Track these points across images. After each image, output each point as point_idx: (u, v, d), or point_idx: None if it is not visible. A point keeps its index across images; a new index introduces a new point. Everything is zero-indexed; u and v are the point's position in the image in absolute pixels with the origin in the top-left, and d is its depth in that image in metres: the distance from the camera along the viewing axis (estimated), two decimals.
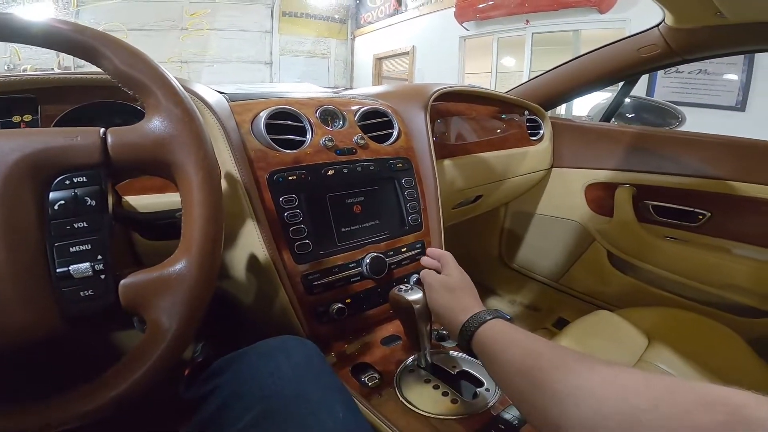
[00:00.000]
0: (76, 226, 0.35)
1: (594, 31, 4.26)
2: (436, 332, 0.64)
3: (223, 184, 0.61)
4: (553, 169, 1.28)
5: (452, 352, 0.61)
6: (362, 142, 0.72)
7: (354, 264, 0.65)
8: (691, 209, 1.06)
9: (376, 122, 0.78)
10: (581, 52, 1.18)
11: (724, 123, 2.85)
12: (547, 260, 1.38)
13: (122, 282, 0.37)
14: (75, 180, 0.35)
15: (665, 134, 1.15)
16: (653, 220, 1.13)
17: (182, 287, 0.36)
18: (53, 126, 0.57)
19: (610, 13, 4.06)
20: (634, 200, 1.13)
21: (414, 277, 0.71)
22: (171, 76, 0.40)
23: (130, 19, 5.92)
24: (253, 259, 0.61)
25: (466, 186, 1.00)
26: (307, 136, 0.67)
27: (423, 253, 0.72)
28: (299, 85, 1.03)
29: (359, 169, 0.70)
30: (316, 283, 0.61)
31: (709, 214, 1.04)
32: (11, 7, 5.29)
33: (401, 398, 0.52)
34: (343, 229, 0.66)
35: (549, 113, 1.28)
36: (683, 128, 1.28)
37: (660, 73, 3.11)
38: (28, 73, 0.66)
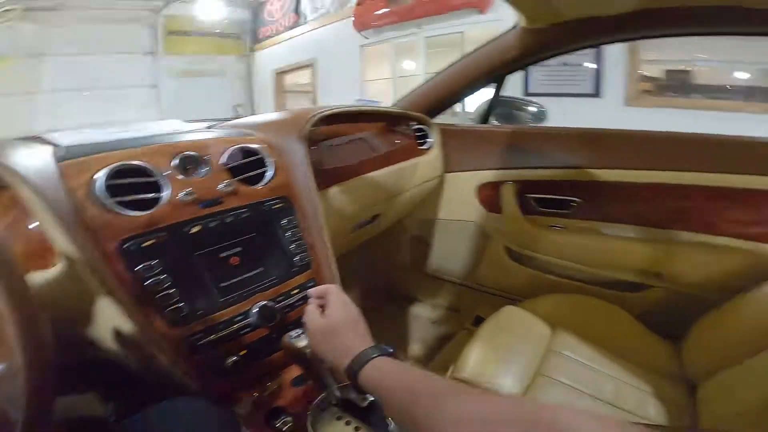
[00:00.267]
0: None
1: (476, 32, 4.60)
2: None
3: (60, 266, 0.53)
4: (446, 174, 1.34)
5: None
6: (230, 189, 0.65)
7: (241, 317, 0.61)
8: (564, 197, 1.18)
9: (246, 162, 0.72)
10: (467, 51, 1.25)
11: (584, 109, 3.25)
12: (455, 262, 1.44)
13: None
14: None
15: (534, 131, 1.27)
16: (536, 212, 1.23)
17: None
18: None
19: (489, 14, 4.41)
20: (518, 195, 1.23)
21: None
22: None
23: None
24: (121, 332, 0.55)
25: (359, 209, 1.00)
26: (163, 192, 0.59)
27: None
28: (162, 124, 0.92)
29: (229, 219, 0.64)
30: (200, 343, 0.56)
31: (579, 200, 1.16)
32: None
33: None
34: (222, 285, 0.61)
35: (450, 112, 1.33)
36: (549, 122, 1.40)
37: (532, 66, 3.46)
38: None
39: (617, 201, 1.13)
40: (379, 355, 0.48)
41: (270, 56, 7.15)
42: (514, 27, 1.13)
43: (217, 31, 7.16)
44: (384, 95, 5.47)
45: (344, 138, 1.01)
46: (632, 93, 3.16)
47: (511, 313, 1.03)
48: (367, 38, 5.54)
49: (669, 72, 3.28)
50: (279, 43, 6.91)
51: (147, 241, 0.55)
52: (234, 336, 0.60)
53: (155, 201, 0.59)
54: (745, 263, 0.97)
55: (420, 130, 1.27)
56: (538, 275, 1.26)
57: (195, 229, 0.60)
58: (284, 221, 0.70)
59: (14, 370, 0.35)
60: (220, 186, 0.64)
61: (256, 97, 7.53)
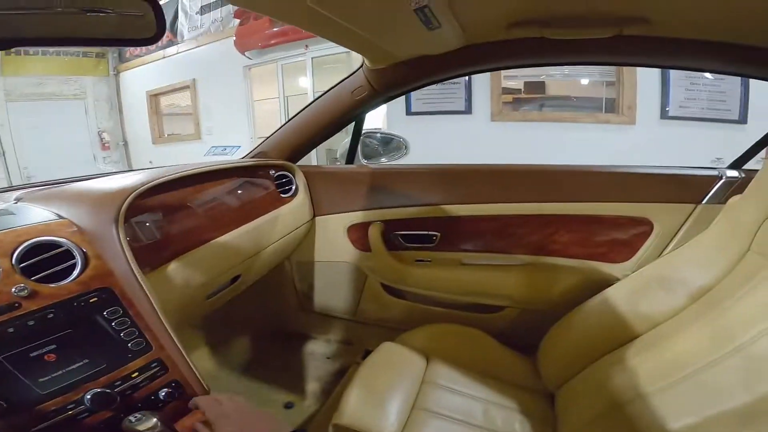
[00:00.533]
0: None
1: None
2: None
3: None
4: (317, 218, 1.32)
5: None
6: (25, 293, 0.56)
7: (73, 404, 0.56)
8: (426, 232, 1.24)
9: (48, 257, 0.61)
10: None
11: (458, 126, 3.58)
12: (339, 300, 1.43)
13: None
14: None
15: (395, 170, 1.31)
16: (403, 247, 1.27)
17: None
18: None
19: None
20: (385, 233, 1.26)
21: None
22: None
23: None
24: None
25: (210, 278, 0.92)
26: None
27: (163, 369, 0.65)
28: None
29: (31, 323, 0.55)
30: (33, 430, 0.53)
31: (439, 234, 1.23)
32: None
33: None
34: (41, 380, 0.55)
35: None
36: (410, 156, 1.46)
37: None
38: None
39: (470, 233, 1.22)
40: None
41: (141, 77, 6.47)
42: (360, 67, 1.16)
43: (72, 50, 6.25)
44: (274, 115, 5.33)
45: (184, 204, 0.92)
46: (495, 109, 3.53)
47: (388, 349, 1.04)
48: (250, 59, 5.35)
49: (527, 84, 3.76)
50: (150, 62, 6.30)
51: None
52: (72, 421, 0.56)
53: None
54: (577, 279, 1.13)
55: (282, 176, 1.23)
56: (414, 306, 1.30)
57: None
58: (106, 313, 0.62)
59: None
60: (13, 290, 0.55)
61: (126, 121, 6.75)
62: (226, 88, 5.54)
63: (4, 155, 5.83)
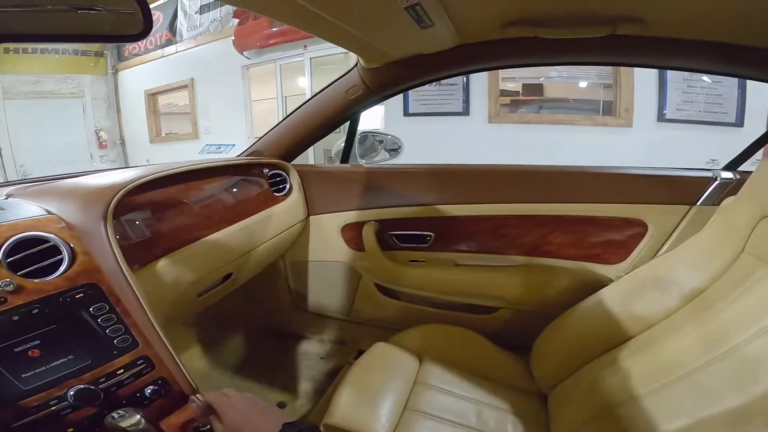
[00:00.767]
0: None
1: None
2: None
3: None
4: (311, 217, 1.31)
5: None
6: (11, 287, 0.56)
7: (56, 400, 0.55)
8: (420, 233, 1.23)
9: (35, 252, 0.61)
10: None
11: (456, 127, 3.58)
12: (333, 300, 1.42)
13: None
14: None
15: (390, 169, 1.30)
16: (397, 247, 1.27)
17: None
18: None
19: None
20: (379, 233, 1.25)
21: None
22: None
23: None
24: None
25: (200, 276, 0.91)
26: None
27: (150, 366, 0.64)
28: None
29: (16, 318, 0.55)
30: (14, 425, 0.52)
31: (433, 234, 1.22)
32: None
33: None
34: (24, 375, 0.55)
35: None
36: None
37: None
38: None
39: (464, 233, 1.22)
40: None
41: (139, 76, 6.46)
42: (354, 66, 1.16)
43: (71, 48, 6.24)
44: (271, 115, 5.33)
45: (174, 202, 0.91)
46: (493, 111, 3.53)
47: (381, 349, 1.03)
48: (249, 58, 5.35)
49: (525, 86, 3.77)
50: (149, 61, 6.29)
51: None
52: (54, 417, 0.56)
53: None
54: (571, 281, 1.12)
55: (276, 175, 1.22)
56: (408, 306, 1.30)
57: None
58: (92, 309, 0.62)
59: None
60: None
61: (124, 120, 6.73)
62: (224, 88, 5.54)
63: (0, 153, 5.81)
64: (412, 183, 1.24)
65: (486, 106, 3.49)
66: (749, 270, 0.73)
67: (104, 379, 0.60)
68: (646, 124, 3.13)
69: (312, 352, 1.52)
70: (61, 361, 0.58)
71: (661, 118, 3.09)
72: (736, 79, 2.85)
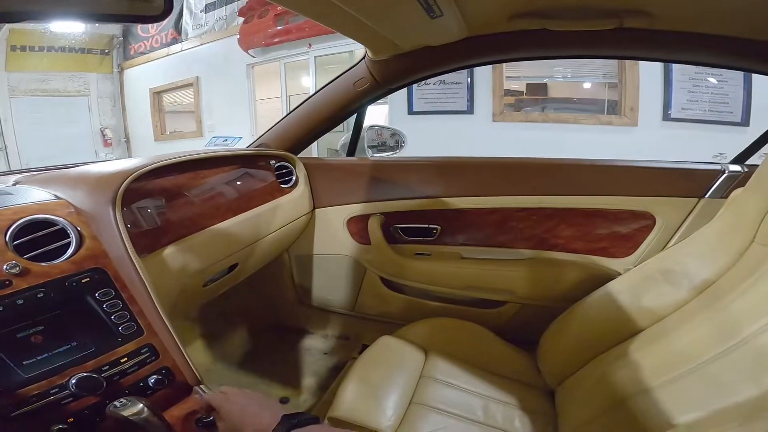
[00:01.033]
0: None
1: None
2: None
3: None
4: (316, 210, 1.31)
5: None
6: (17, 270, 0.56)
7: (57, 389, 0.55)
8: (426, 226, 1.23)
9: (42, 235, 0.61)
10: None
11: (460, 125, 3.57)
12: (338, 294, 1.42)
13: None
14: None
15: (396, 162, 1.30)
16: (403, 241, 1.26)
17: None
18: None
19: None
20: (384, 226, 1.25)
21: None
22: None
23: None
24: None
25: (207, 265, 0.91)
26: None
27: (154, 355, 0.63)
28: None
29: (20, 302, 0.55)
30: (14, 414, 0.51)
31: (439, 227, 1.22)
32: None
33: None
34: (26, 362, 0.54)
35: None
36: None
37: (414, 86, 3.67)
38: None
39: (471, 226, 1.21)
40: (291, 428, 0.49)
41: (145, 74, 6.49)
42: (363, 58, 1.16)
43: (78, 46, 6.28)
44: (276, 113, 5.34)
45: (182, 190, 0.91)
46: (497, 109, 3.53)
47: (386, 343, 1.03)
48: (254, 57, 5.37)
49: (529, 86, 3.76)
50: (154, 60, 6.32)
51: None
52: (55, 405, 0.55)
53: None
54: (578, 274, 1.11)
55: (283, 167, 1.22)
56: (413, 301, 1.29)
57: None
58: (98, 294, 0.62)
59: None
60: (5, 267, 0.56)
61: (129, 118, 6.76)
62: (228, 86, 5.55)
63: (6, 150, 5.85)
64: (419, 175, 1.24)
65: (490, 105, 3.49)
66: (759, 260, 0.72)
67: (107, 367, 0.59)
68: (652, 123, 3.11)
69: (316, 347, 1.52)
70: (64, 348, 0.57)
71: (666, 117, 3.08)
72: (741, 79, 2.84)
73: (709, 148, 2.39)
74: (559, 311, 1.02)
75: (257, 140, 1.32)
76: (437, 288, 1.23)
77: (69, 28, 6.03)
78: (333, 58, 5.02)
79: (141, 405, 0.53)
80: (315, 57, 5.06)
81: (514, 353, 1.06)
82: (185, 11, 5.87)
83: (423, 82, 3.02)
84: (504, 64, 3.46)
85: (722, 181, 1.01)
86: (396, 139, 1.36)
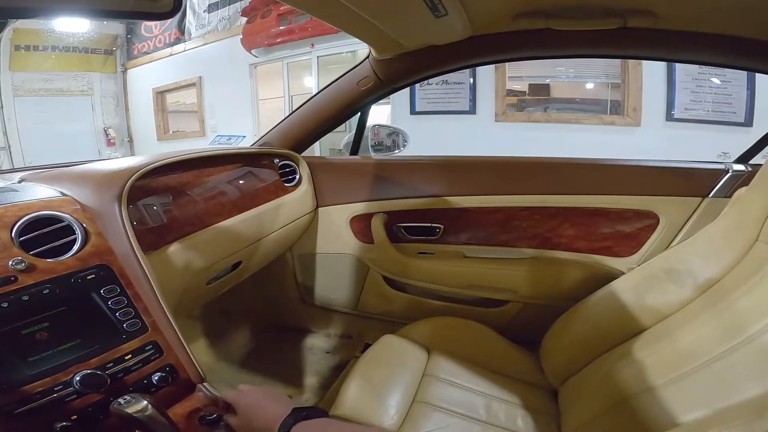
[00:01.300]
0: None
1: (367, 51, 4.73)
2: None
3: None
4: (319, 209, 1.31)
5: None
6: (22, 266, 0.56)
7: (61, 386, 0.55)
8: (429, 225, 1.23)
9: (47, 232, 0.62)
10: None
11: (462, 125, 3.58)
12: (340, 293, 1.42)
13: None
14: None
15: (399, 161, 1.30)
16: (406, 240, 1.26)
17: None
18: None
19: None
20: (387, 225, 1.25)
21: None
22: None
23: None
24: None
25: (210, 263, 0.91)
26: None
27: (158, 353, 0.64)
28: None
29: (26, 298, 0.55)
30: (17, 411, 0.51)
31: (443, 226, 1.22)
32: None
33: None
34: (30, 359, 0.54)
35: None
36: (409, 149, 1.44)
37: (417, 86, 3.68)
38: None
39: (474, 225, 1.21)
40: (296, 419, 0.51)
41: (148, 74, 6.52)
42: (367, 57, 1.16)
43: (82, 46, 6.31)
44: (278, 113, 5.35)
45: (186, 188, 0.92)
46: (500, 110, 3.53)
47: (388, 342, 1.03)
48: (256, 57, 5.38)
49: (531, 86, 3.76)
50: (158, 60, 6.34)
51: None
52: (58, 403, 0.55)
53: None
54: (582, 274, 1.11)
55: (287, 165, 1.22)
56: (416, 300, 1.29)
57: None
58: (103, 291, 0.62)
59: None
60: (11, 262, 0.56)
61: (132, 118, 6.78)
62: (231, 86, 5.57)
63: (9, 149, 5.87)
64: (422, 174, 1.24)
65: (493, 105, 3.49)
66: (764, 258, 0.72)
67: (111, 364, 0.59)
68: (655, 123, 3.11)
69: (318, 346, 1.52)
70: (69, 344, 0.57)
71: (669, 117, 3.07)
72: (744, 79, 2.83)
73: (712, 148, 2.38)
74: (563, 310, 1.02)
75: (261, 139, 1.32)
76: (440, 287, 1.23)
77: (73, 27, 6.07)
78: (336, 57, 5.03)
79: (145, 402, 0.53)
80: (318, 57, 5.07)
81: (517, 352, 1.06)
82: (188, 11, 5.90)
83: (425, 82, 3.04)
84: (506, 64, 3.46)
85: (726, 180, 1.01)
86: (398, 139, 1.36)
